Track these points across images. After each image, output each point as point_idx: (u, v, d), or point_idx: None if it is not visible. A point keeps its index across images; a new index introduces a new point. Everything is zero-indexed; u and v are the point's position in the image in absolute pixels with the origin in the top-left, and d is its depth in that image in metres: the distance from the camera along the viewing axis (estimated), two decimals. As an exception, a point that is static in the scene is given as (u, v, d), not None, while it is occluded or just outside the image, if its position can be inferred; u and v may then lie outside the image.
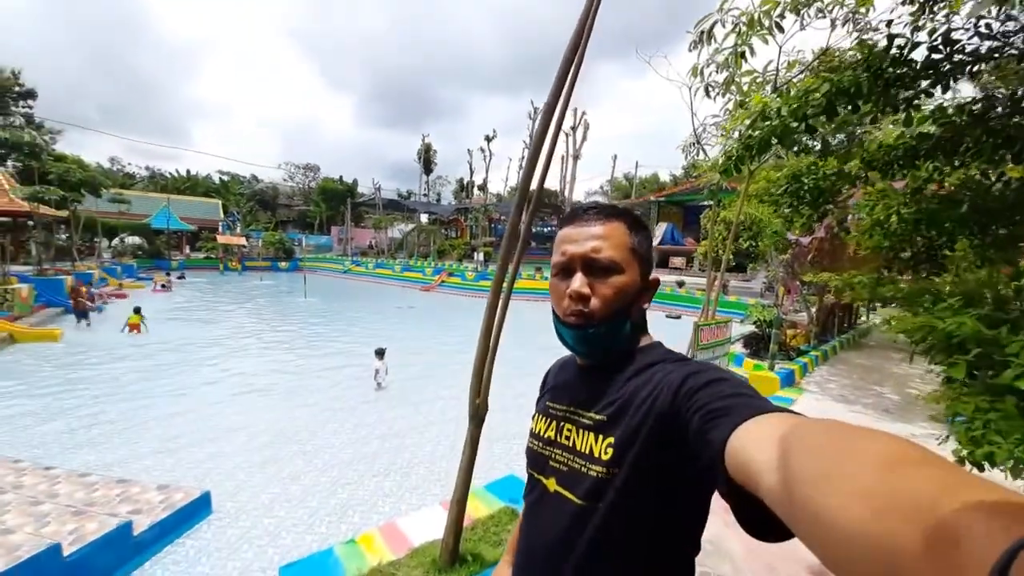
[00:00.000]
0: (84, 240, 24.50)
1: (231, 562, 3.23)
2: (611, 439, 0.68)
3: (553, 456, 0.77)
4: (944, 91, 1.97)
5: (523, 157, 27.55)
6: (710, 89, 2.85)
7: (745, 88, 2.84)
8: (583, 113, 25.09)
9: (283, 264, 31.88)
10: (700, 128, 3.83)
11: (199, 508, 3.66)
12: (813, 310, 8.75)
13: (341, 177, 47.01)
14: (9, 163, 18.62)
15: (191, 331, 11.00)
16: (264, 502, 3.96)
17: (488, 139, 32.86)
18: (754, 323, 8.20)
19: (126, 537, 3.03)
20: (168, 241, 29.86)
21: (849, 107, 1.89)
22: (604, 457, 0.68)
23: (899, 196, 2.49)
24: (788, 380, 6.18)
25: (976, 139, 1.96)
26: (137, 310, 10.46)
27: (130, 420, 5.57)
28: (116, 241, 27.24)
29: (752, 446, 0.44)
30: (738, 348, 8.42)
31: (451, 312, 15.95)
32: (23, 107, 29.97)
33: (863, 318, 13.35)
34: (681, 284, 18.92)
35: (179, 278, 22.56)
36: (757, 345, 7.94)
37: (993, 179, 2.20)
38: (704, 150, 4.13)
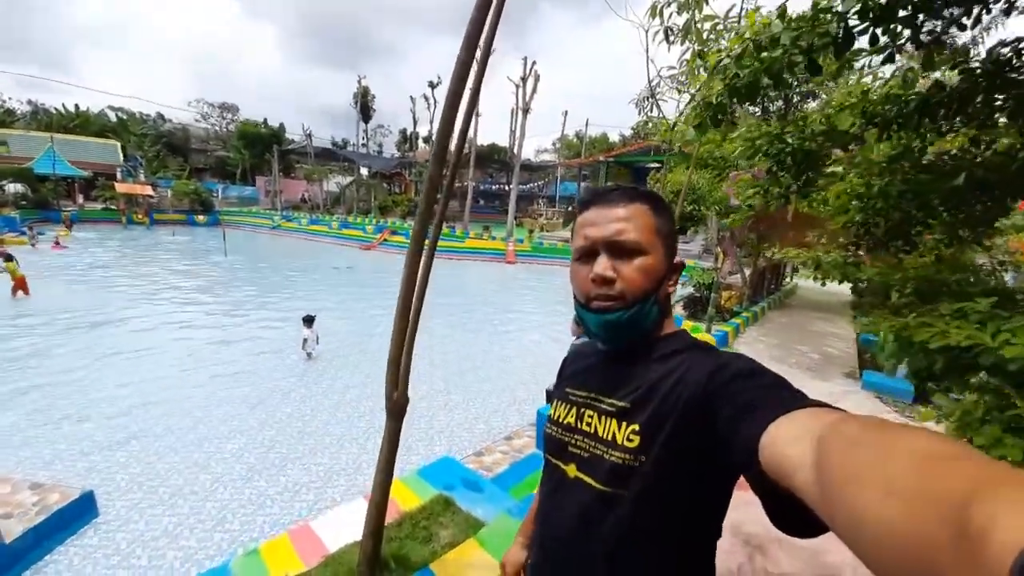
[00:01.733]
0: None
1: (121, 571, 2.78)
2: (636, 426, 0.67)
3: (574, 442, 0.76)
4: (974, 25, 1.74)
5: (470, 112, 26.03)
6: (669, 33, 2.48)
7: (705, 36, 2.51)
8: (533, 63, 23.85)
9: (200, 218, 28.62)
10: (656, 80, 3.50)
11: (81, 510, 3.11)
12: (747, 273, 9.14)
13: (265, 120, 42.08)
14: None
15: (85, 296, 9.56)
16: (163, 497, 3.47)
17: (432, 85, 30.57)
18: (694, 286, 8.43)
19: (-12, 551, 2.47)
20: (56, 189, 25.62)
21: (873, 31, 1.51)
22: (629, 444, 0.67)
23: (876, 165, 2.32)
24: (723, 342, 6.41)
25: (991, 96, 1.76)
26: (9, 257, 8.86)
27: (5, 402, 4.68)
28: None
29: (787, 442, 0.44)
30: (678, 310, 8.67)
31: (393, 274, 15.16)
32: None
33: (787, 279, 14.36)
34: (625, 245, 19.24)
35: (67, 227, 19.43)
36: (695, 307, 8.19)
37: (984, 147, 2.06)
38: (659, 105, 3.81)
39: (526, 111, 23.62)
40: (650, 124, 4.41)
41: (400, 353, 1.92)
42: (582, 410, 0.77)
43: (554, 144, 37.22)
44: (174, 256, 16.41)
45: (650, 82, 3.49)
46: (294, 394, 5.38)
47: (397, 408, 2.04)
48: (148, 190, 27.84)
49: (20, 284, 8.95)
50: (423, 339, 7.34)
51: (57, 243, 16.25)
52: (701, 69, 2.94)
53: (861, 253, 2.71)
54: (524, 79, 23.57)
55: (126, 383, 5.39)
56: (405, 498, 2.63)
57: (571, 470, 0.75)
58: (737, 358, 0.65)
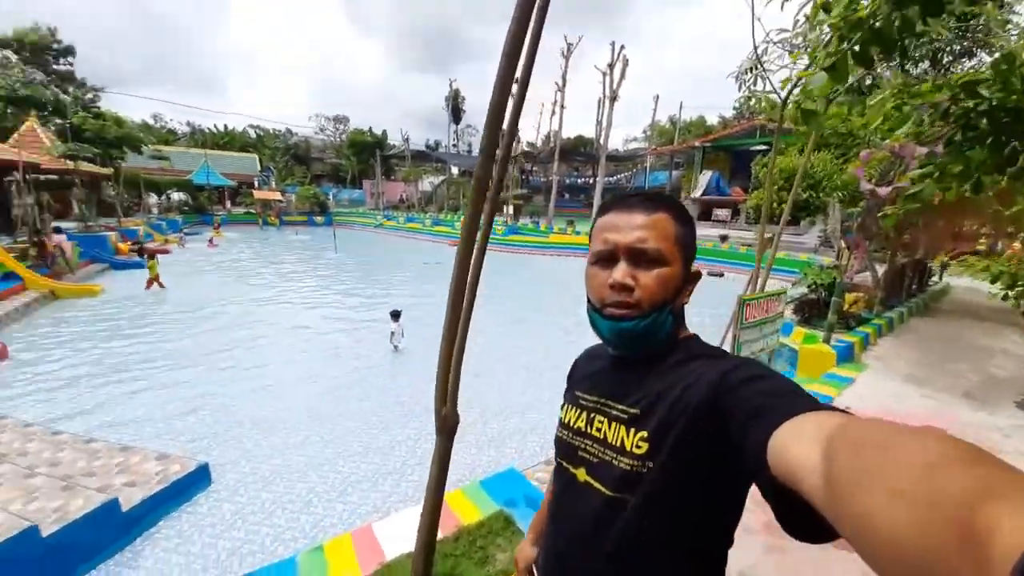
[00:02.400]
0: (132, 197, 25.57)
1: (222, 541, 3.11)
2: (644, 432, 0.68)
3: (583, 447, 0.77)
4: None
5: (555, 101, 25.66)
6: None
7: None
8: (622, 48, 22.67)
9: (318, 219, 32.27)
10: (763, 46, 2.91)
11: (197, 480, 3.56)
12: (880, 271, 7.65)
13: (371, 128, 46.05)
14: (58, 120, 19.16)
15: (221, 287, 11.22)
16: (265, 474, 3.84)
17: (516, 81, 30.73)
18: (808, 286, 7.28)
19: (112, 514, 2.92)
20: (210, 196, 30.67)
21: None
22: (637, 451, 0.67)
23: None
24: (846, 355, 5.41)
25: None
26: (152, 256, 10.47)
27: (150, 380, 5.63)
28: (163, 198, 28.22)
29: (795, 445, 0.45)
30: (787, 314, 7.57)
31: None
32: (64, 64, 30.71)
33: (935, 278, 11.84)
34: (724, 239, 17.50)
35: (215, 229, 22.84)
36: (810, 311, 7.07)
37: None
38: (766, 76, 3.21)
39: (613, 99, 22.63)
40: (753, 100, 3.73)
41: (449, 364, 1.79)
42: (592, 415, 0.78)
43: (645, 132, 35.14)
44: (296, 252, 18.68)
45: (756, 48, 2.92)
46: (381, 385, 5.70)
47: (447, 426, 1.92)
48: (278, 195, 32.11)
49: (155, 279, 10.24)
50: (503, 340, 7.27)
51: (211, 242, 19.36)
52: (825, 26, 2.40)
53: None
54: (611, 65, 22.58)
55: (247, 366, 6.16)
56: (465, 510, 2.55)
57: (580, 474, 0.76)
58: (746, 363, 0.66)
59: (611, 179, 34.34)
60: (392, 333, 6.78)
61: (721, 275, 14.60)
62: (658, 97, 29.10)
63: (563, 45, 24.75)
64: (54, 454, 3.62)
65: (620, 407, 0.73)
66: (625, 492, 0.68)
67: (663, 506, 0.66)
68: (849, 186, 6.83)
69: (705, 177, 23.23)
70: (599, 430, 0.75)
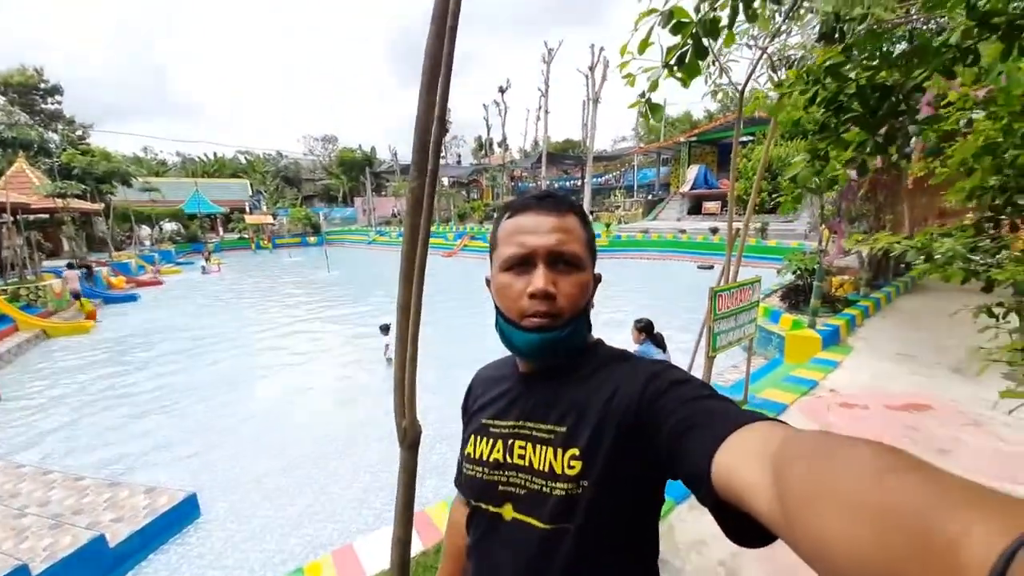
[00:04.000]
0: (124, 231, 25.64)
1: (212, 572, 3.10)
2: (574, 450, 0.62)
3: (505, 480, 0.69)
4: None
5: (539, 107, 25.84)
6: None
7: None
8: (601, 49, 22.92)
9: (311, 239, 32.35)
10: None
11: (186, 512, 3.55)
12: (864, 252, 7.68)
13: (359, 146, 46.39)
14: (47, 160, 19.29)
15: (210, 315, 11.23)
16: (254, 500, 3.83)
17: (502, 90, 30.96)
18: (794, 272, 7.30)
19: (100, 551, 2.91)
20: (202, 224, 30.78)
21: None
22: (570, 472, 0.62)
23: (1017, 99, 1.60)
24: (832, 339, 5.42)
25: None
26: (78, 296, 10.57)
27: (142, 412, 5.62)
28: (155, 229, 28.30)
29: (742, 466, 0.44)
30: (774, 302, 7.59)
31: (473, 278, 15.61)
32: (52, 103, 30.94)
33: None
34: (715, 231, 17.57)
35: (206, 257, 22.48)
36: (796, 297, 7.09)
37: None
38: (727, 70, 3.27)
39: (596, 101, 22.80)
40: (719, 94, 3.77)
41: (403, 375, 1.79)
42: (510, 442, 0.69)
43: (634, 130, 35.37)
44: (289, 274, 18.70)
45: (711, 47, 2.95)
46: (373, 401, 5.69)
47: (409, 438, 1.92)
48: (269, 219, 32.22)
49: (90, 315, 10.12)
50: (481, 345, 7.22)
51: (217, 269, 19.27)
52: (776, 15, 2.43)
53: (1000, 235, 1.93)
54: (592, 68, 22.78)
55: (244, 397, 6.15)
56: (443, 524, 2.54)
57: (507, 512, 0.68)
58: (667, 368, 0.64)
59: (599, 179, 34.45)
60: (386, 346, 6.79)
61: (711, 267, 14.63)
62: (643, 94, 29.29)
63: (544, 51, 25.01)
64: (45, 493, 3.62)
65: (544, 427, 0.67)
66: (562, 521, 0.62)
67: (604, 526, 0.62)
68: (807, 178, 6.86)
69: (693, 171, 23.33)
70: (522, 457, 0.67)
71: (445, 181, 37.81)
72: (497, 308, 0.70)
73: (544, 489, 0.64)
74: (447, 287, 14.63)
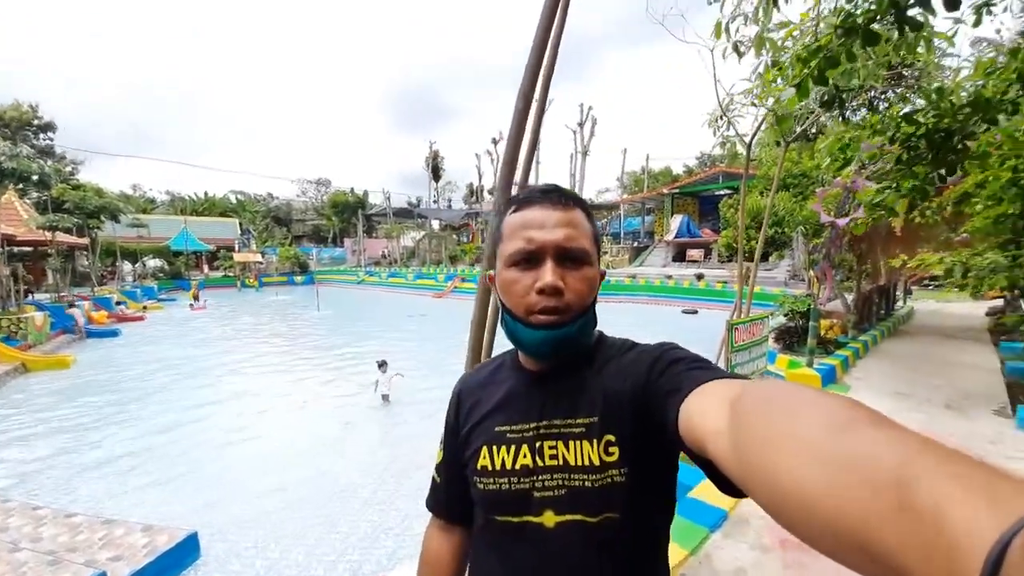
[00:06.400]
0: (107, 265, 25.08)
1: (216, 615, 2.90)
2: (610, 436, 0.62)
3: (540, 485, 0.65)
4: None
5: (529, 159, 27.08)
6: (739, 47, 2.36)
7: (780, 44, 2.37)
8: (590, 108, 24.57)
9: (299, 278, 32.11)
10: (726, 99, 3.33)
11: (186, 552, 3.34)
12: (850, 297, 8.08)
13: (352, 189, 47.33)
14: (35, 193, 19.12)
15: (195, 351, 10.91)
16: (257, 540, 3.63)
17: (495, 141, 32.50)
18: (785, 315, 7.60)
19: (99, 591, 2.72)
20: (187, 262, 30.35)
21: None
22: (609, 458, 0.62)
23: None
24: (830, 377, 5.60)
25: None
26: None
27: (128, 449, 5.34)
28: (138, 265, 27.79)
29: (698, 413, 0.45)
30: (769, 342, 7.82)
31: (461, 319, 15.53)
32: (44, 140, 31.09)
33: (900, 303, 12.48)
34: (700, 277, 18.16)
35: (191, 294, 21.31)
36: (790, 339, 7.34)
37: None
38: (732, 123, 3.63)
39: (585, 154, 24.08)
40: (727, 145, 4.17)
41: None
42: (538, 443, 0.66)
43: (619, 180, 37.18)
44: (277, 312, 18.39)
45: (720, 102, 3.35)
46: (374, 438, 5.55)
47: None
48: (257, 257, 32.06)
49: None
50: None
51: (192, 306, 18.70)
52: (779, 80, 2.78)
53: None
54: (581, 124, 24.26)
55: (230, 428, 5.92)
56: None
57: (548, 519, 0.64)
58: (669, 348, 0.65)
59: (587, 227, 35.60)
60: (376, 382, 6.68)
61: (695, 312, 15.01)
62: (626, 151, 31.14)
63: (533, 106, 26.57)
64: (35, 529, 3.38)
65: (575, 421, 0.65)
66: (609, 511, 0.62)
67: (645, 509, 0.64)
68: (810, 220, 7.37)
69: (676, 221, 24.42)
70: (554, 457, 0.65)
71: (435, 225, 38.55)
72: (503, 305, 0.68)
73: (586, 483, 0.62)
74: (436, 328, 14.55)
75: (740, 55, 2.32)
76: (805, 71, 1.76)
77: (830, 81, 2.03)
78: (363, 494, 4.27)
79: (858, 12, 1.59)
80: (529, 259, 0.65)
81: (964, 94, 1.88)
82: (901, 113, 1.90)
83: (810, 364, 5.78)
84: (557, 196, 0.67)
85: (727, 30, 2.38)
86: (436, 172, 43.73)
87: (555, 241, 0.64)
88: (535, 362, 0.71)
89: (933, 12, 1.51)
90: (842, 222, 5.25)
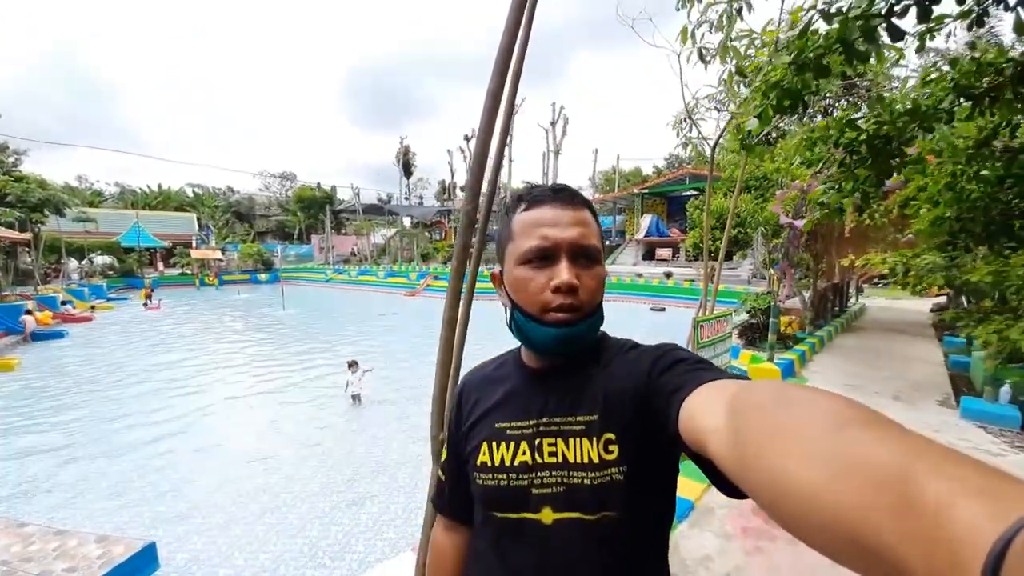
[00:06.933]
0: (51, 262, 23.40)
1: (176, 628, 2.77)
2: (609, 435, 0.63)
3: (539, 482, 0.65)
4: None
5: (504, 155, 27.07)
6: (704, 53, 2.45)
7: (743, 52, 2.47)
8: (562, 107, 24.79)
9: (262, 276, 30.94)
10: (692, 103, 3.45)
11: (144, 562, 3.17)
12: (807, 295, 8.51)
13: (319, 184, 45.94)
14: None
15: (148, 354, 10.37)
16: (222, 548, 3.50)
17: (467, 138, 32.25)
18: (748, 312, 7.93)
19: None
20: (140, 259, 28.72)
21: None
22: (608, 456, 0.62)
23: (962, 152, 2.09)
24: (789, 371, 5.89)
25: None
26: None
27: (80, 457, 5.02)
28: (85, 262, 26.03)
29: (699, 412, 0.45)
30: (733, 338, 8.15)
31: (436, 317, 15.34)
32: (-21, 127, 28.59)
33: (852, 300, 13.24)
34: (669, 275, 18.71)
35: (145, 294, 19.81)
36: (753, 335, 7.66)
37: None
38: (697, 126, 3.76)
39: (557, 153, 24.27)
40: (689, 147, 4.28)
41: (445, 392, 1.85)
42: (537, 440, 0.67)
43: (591, 180, 37.69)
44: (239, 312, 17.65)
45: (687, 106, 3.46)
46: (343, 440, 5.43)
47: (442, 451, 1.95)
48: (217, 254, 30.62)
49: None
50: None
51: (157, 305, 17.69)
52: (741, 86, 2.88)
53: (960, 253, 2.39)
54: (553, 123, 24.42)
55: (202, 441, 5.66)
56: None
57: (546, 516, 0.64)
58: (671, 348, 0.65)
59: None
60: (347, 383, 6.55)
61: (663, 310, 15.44)
62: (597, 151, 31.61)
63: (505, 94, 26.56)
64: (-18, 542, 3.13)
65: (576, 419, 0.65)
66: (607, 509, 0.62)
67: (643, 508, 0.64)
68: (770, 221, 7.72)
69: (646, 220, 25.01)
70: (553, 454, 0.65)
71: (407, 222, 37.98)
72: (513, 303, 0.68)
73: (585, 481, 0.62)
74: (408, 326, 14.37)
75: (705, 62, 2.41)
76: (765, 102, 1.88)
77: (786, 108, 2.17)
78: (333, 497, 4.18)
79: (809, 47, 1.70)
80: (544, 257, 0.65)
81: (909, 103, 2.05)
82: (846, 119, 2.04)
83: (771, 359, 6.05)
84: (568, 195, 0.68)
85: (692, 36, 2.47)
86: (407, 168, 43.01)
87: (570, 239, 0.64)
88: (540, 359, 0.71)
89: (878, 46, 1.63)
90: (800, 223, 5.52)
